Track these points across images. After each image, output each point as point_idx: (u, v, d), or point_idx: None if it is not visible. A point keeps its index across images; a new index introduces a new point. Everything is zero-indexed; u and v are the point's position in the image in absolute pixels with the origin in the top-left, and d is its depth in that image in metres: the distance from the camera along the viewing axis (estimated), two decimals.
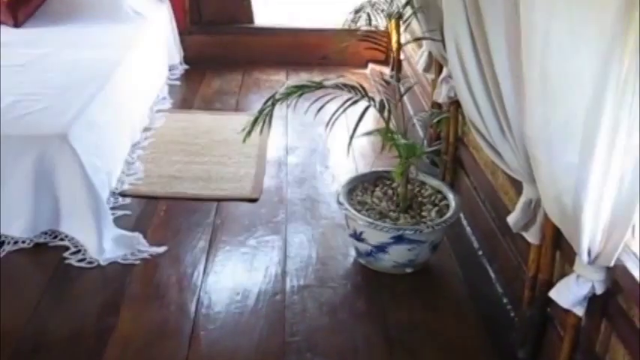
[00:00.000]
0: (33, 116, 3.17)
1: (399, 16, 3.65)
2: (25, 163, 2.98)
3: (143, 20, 4.79)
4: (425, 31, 3.27)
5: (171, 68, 5.25)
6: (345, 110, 2.64)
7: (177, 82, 5.15)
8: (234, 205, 3.50)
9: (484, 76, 2.16)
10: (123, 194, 3.50)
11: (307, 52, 5.53)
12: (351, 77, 5.24)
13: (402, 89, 3.24)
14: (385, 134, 2.74)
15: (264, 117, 2.61)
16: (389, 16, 3.50)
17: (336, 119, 2.62)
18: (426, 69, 3.81)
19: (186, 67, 5.44)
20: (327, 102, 2.77)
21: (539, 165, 1.77)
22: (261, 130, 2.69)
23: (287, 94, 2.65)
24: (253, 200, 3.54)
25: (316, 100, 2.79)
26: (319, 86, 2.72)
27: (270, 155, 4.03)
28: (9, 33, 4.47)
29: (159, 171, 3.76)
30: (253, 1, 5.61)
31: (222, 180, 3.70)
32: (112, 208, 3.33)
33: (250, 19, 5.61)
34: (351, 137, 2.65)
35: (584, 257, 1.75)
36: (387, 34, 4.56)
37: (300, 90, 2.66)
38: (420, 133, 3.70)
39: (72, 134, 3.03)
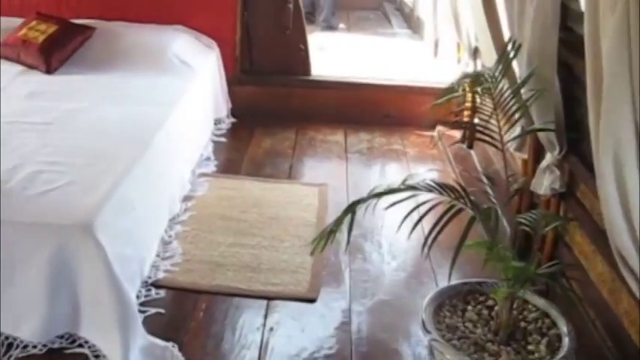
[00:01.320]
0: (54, 195, 2.63)
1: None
2: (41, 255, 2.45)
3: (190, 70, 4.27)
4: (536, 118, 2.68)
5: (217, 122, 4.73)
6: (444, 225, 2.05)
7: (223, 139, 4.60)
8: (289, 305, 2.91)
9: None
10: (157, 285, 2.94)
11: (368, 109, 4.99)
12: (416, 140, 4.75)
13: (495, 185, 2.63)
14: (491, 251, 2.14)
15: (338, 228, 2.02)
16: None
17: (435, 239, 2.02)
18: (518, 148, 3.22)
19: (233, 120, 4.91)
20: (414, 210, 2.17)
21: None
22: (332, 241, 2.10)
23: (372, 196, 2.07)
24: (311, 300, 2.95)
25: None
26: (409, 188, 2.13)
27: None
28: (40, 80, 4.00)
29: (200, 255, 3.20)
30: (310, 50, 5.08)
31: (274, 271, 3.12)
32: (143, 304, 2.79)
33: (307, 70, 5.08)
34: (431, 240, 2.07)
35: None
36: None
37: (386, 194, 2.07)
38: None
39: (99, 223, 2.48)
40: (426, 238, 2.03)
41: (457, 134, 4.69)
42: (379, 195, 2.07)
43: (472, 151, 4.38)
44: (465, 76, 2.81)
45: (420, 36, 6.74)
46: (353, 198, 3.75)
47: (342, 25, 7.50)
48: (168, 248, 3.22)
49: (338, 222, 2.04)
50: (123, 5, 4.82)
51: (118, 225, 2.63)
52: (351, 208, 2.04)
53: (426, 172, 4.05)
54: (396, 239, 3.30)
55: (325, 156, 4.50)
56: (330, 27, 7.33)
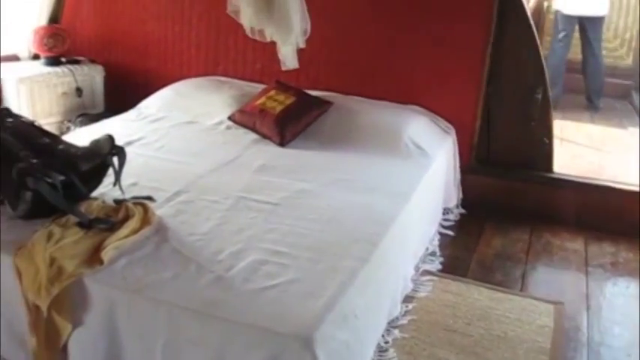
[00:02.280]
0: (274, 293, 2.40)
1: None
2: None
3: (425, 157, 3.97)
4: None
5: (445, 212, 4.40)
6: None
7: (451, 232, 4.24)
8: None
9: None
10: None
11: (613, 216, 4.40)
12: None
13: None
14: None
15: None
16: None
17: None
18: None
19: (462, 211, 4.55)
20: None
21: None
22: None
23: None
24: None
25: None
26: None
27: None
28: (272, 153, 3.89)
29: None
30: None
31: None
32: None
33: (548, 166, 4.61)
34: None
35: None
36: None
37: None
38: None
39: (319, 335, 2.20)
40: None
41: None
42: None
43: None
44: None
45: None
46: (594, 324, 3.31)
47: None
48: (384, 356, 2.91)
49: None
50: (361, 79, 4.67)
51: (337, 337, 2.35)
52: None
53: None
54: None
55: (562, 266, 4.00)
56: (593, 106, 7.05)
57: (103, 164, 3.02)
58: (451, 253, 4.02)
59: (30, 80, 4.73)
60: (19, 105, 4.72)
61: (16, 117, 3.18)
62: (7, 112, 3.18)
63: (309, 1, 4.08)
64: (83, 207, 2.85)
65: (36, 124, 3.22)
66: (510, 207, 4.56)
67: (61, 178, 2.79)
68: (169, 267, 2.53)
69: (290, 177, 3.52)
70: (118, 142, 3.83)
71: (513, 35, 4.38)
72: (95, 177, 3.03)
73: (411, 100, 4.55)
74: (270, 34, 3.96)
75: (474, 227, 4.38)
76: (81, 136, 4.01)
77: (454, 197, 4.51)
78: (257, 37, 4.04)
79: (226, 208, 3.08)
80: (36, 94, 4.77)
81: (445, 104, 4.54)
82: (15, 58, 5.14)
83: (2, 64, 4.95)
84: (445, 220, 4.36)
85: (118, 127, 4.22)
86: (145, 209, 2.92)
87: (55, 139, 3.10)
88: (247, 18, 3.93)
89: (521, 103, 4.51)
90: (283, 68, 4.13)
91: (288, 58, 4.01)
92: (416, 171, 3.76)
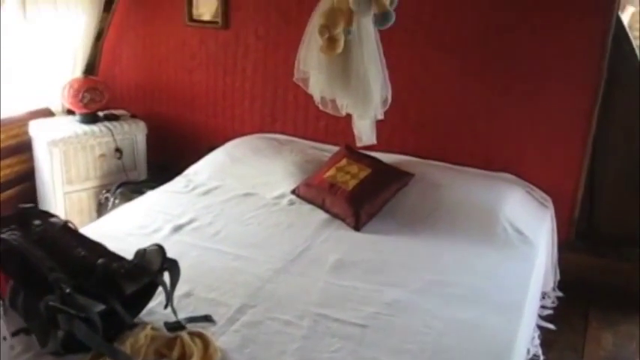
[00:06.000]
0: None
1: None
2: None
3: (527, 245, 3.32)
4: None
5: (541, 296, 3.73)
6: None
7: (552, 326, 3.57)
8: None
9: None
10: None
11: None
12: None
13: None
14: None
15: None
16: None
17: None
18: None
19: (559, 294, 3.89)
20: None
21: None
22: None
23: None
24: None
25: None
26: None
27: None
28: (348, 241, 3.29)
29: None
30: None
31: None
32: None
33: None
34: None
35: None
36: None
37: None
38: None
39: None
40: None
41: None
42: None
43: None
44: None
45: None
46: None
47: None
48: None
49: None
50: (442, 141, 4.05)
51: None
52: None
53: None
54: None
55: None
56: None
57: (151, 283, 2.43)
58: (556, 356, 3.37)
59: (64, 142, 4.16)
60: (52, 168, 4.18)
61: (45, 217, 2.61)
62: (35, 212, 2.61)
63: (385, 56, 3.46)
64: (128, 342, 2.26)
65: (70, 225, 2.63)
66: (616, 291, 3.90)
67: (101, 307, 2.21)
68: None
69: (375, 279, 2.90)
70: (167, 223, 3.34)
71: (623, 100, 3.75)
72: (142, 299, 2.45)
73: (500, 166, 3.92)
74: (345, 106, 3.32)
75: (576, 317, 3.74)
76: (123, 215, 3.48)
77: (551, 279, 3.86)
78: (329, 110, 3.40)
79: (303, 335, 2.47)
80: (71, 157, 4.20)
81: (542, 172, 3.89)
82: (48, 113, 4.59)
83: (34, 120, 4.41)
84: (542, 306, 3.70)
85: (164, 201, 3.67)
86: (205, 343, 2.32)
87: (92, 248, 2.51)
88: (318, 87, 3.30)
89: (631, 172, 3.86)
90: (359, 144, 3.52)
91: (365, 133, 3.40)
92: (522, 268, 3.12)
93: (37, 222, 2.54)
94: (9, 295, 2.30)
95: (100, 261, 2.39)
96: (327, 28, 2.94)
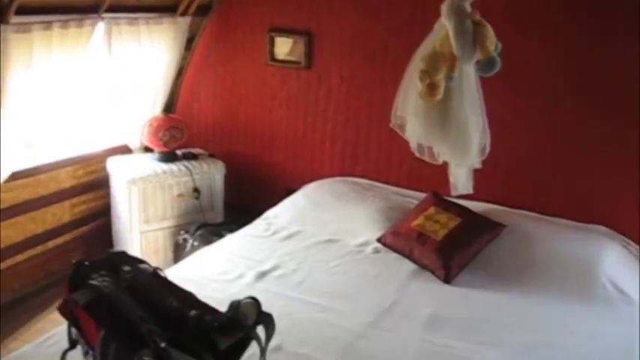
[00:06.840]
0: None
1: None
2: None
3: (630, 305, 3.12)
4: None
5: None
6: None
7: None
8: None
9: None
10: None
11: None
12: None
13: None
14: None
15: None
16: None
17: None
18: None
19: None
20: None
21: None
22: None
23: None
24: None
25: None
26: None
27: None
28: (439, 295, 3.16)
29: None
30: None
31: None
32: None
33: None
34: None
35: None
36: None
37: None
38: None
39: None
40: None
41: None
42: None
43: None
44: None
45: None
46: None
47: None
48: None
49: None
50: (531, 191, 3.88)
51: None
52: None
53: None
54: None
55: None
56: None
57: (245, 337, 2.30)
58: None
59: (143, 180, 4.11)
60: (130, 206, 4.12)
61: (134, 263, 2.51)
62: (124, 258, 2.51)
63: None
64: None
65: (159, 272, 2.53)
66: None
67: None
68: None
69: (471, 339, 2.74)
70: (249, 269, 3.24)
71: None
72: (234, 353, 2.32)
73: (591, 217, 3.72)
74: (442, 154, 3.18)
75: None
76: (203, 259, 3.39)
77: None
78: (426, 158, 3.25)
79: None
80: (149, 196, 4.15)
81: (635, 224, 3.66)
82: (126, 150, 4.56)
83: (112, 157, 4.38)
84: None
85: (246, 244, 3.59)
86: None
87: (183, 298, 2.39)
88: (415, 134, 3.16)
89: None
90: (454, 193, 3.36)
91: (460, 181, 3.24)
92: (627, 331, 2.91)
93: (126, 268, 2.43)
94: (100, 345, 2.19)
95: (192, 313, 2.27)
96: (427, 74, 2.81)
